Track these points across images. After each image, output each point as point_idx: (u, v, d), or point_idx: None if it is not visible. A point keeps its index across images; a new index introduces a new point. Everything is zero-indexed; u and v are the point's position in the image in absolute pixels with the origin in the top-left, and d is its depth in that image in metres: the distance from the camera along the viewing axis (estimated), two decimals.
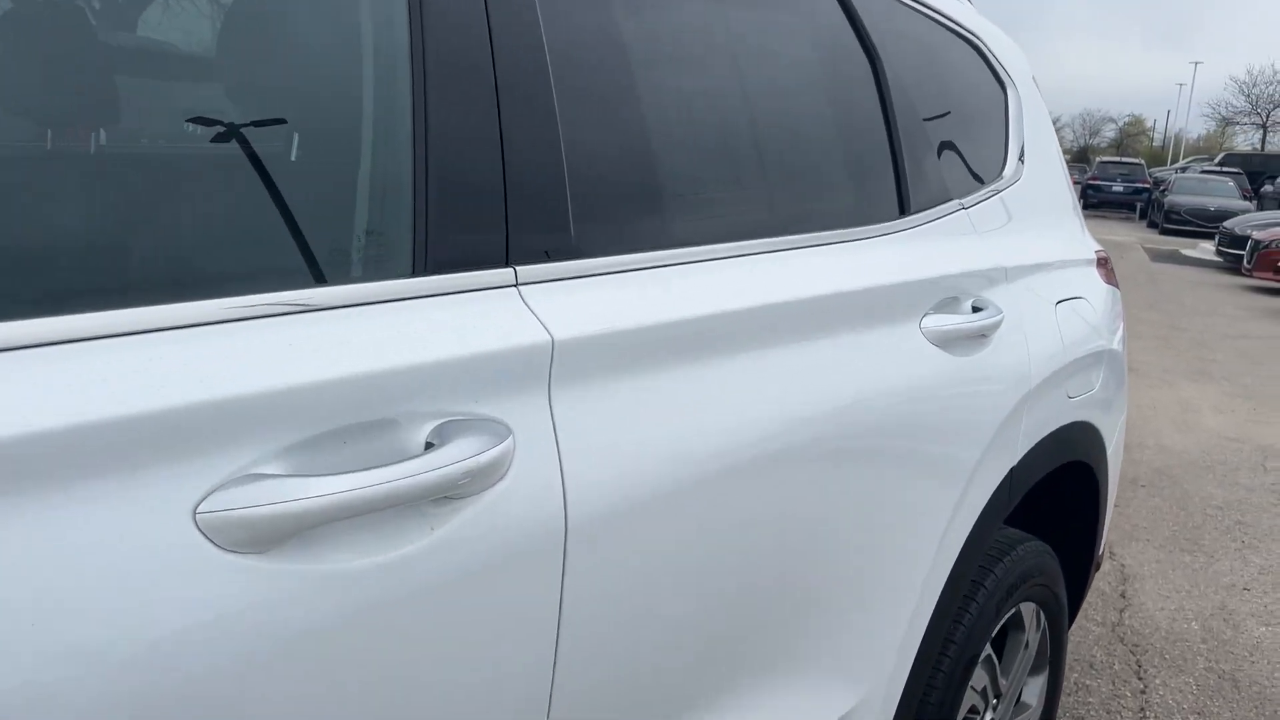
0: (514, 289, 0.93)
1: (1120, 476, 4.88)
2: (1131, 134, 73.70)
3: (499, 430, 0.84)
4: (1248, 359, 8.00)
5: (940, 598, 1.58)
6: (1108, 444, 2.09)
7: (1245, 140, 56.89)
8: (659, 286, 1.07)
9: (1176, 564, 3.76)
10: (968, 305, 1.61)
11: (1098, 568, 2.26)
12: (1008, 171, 1.95)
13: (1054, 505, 2.11)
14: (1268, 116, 54.68)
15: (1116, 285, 2.28)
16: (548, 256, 0.97)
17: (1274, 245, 12.28)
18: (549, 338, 0.92)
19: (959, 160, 1.81)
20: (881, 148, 1.59)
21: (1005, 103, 2.06)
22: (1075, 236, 2.18)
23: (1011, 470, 1.69)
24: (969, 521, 1.61)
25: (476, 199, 0.91)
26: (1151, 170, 32.15)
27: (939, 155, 1.72)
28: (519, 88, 0.97)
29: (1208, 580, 3.63)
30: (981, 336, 1.60)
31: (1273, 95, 54.33)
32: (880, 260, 1.47)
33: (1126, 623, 3.26)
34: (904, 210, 1.59)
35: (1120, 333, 2.19)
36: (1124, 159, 32.34)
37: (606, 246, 1.04)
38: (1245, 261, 13.02)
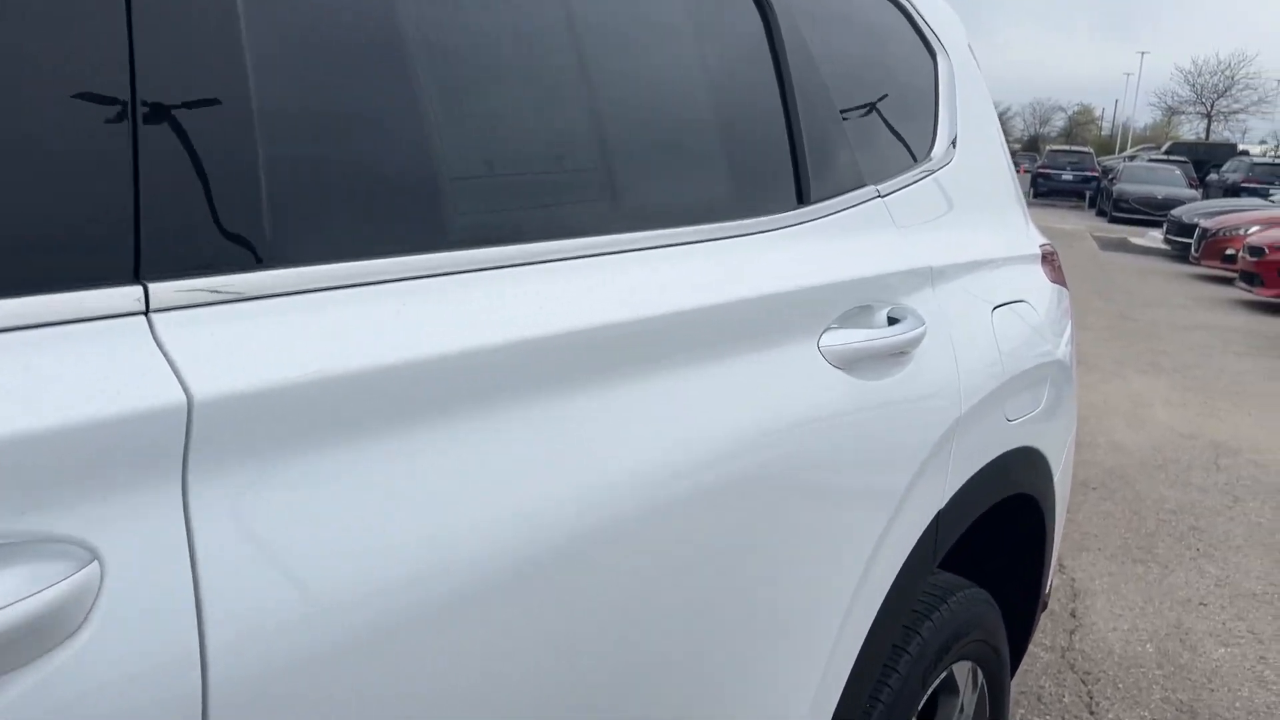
0: (141, 318, 0.60)
1: (1070, 481, 4.65)
2: (1081, 123, 74.52)
3: (72, 556, 0.52)
4: (1197, 350, 7.86)
5: (851, 676, 1.28)
6: (1054, 470, 1.80)
7: (1190, 130, 57.81)
8: (416, 307, 0.75)
9: (1129, 576, 3.52)
10: (882, 315, 1.31)
11: (1044, 607, 1.98)
12: (937, 153, 1.65)
13: (992, 539, 1.82)
14: (1212, 106, 55.58)
15: (1064, 284, 2.00)
16: (211, 267, 0.64)
17: (1221, 234, 12.24)
18: (184, 397, 0.59)
19: (876, 139, 1.51)
20: (775, 121, 1.28)
21: (935, 74, 1.76)
22: (1017, 229, 1.89)
23: (939, 514, 1.40)
24: (884, 581, 1.30)
25: (71, 170, 0.58)
26: (1100, 159, 32.40)
27: (850, 133, 1.41)
28: None
29: (1162, 594, 3.39)
30: (899, 354, 1.30)
31: (1216, 85, 55.24)
32: (768, 263, 1.16)
33: (1077, 646, 3.01)
34: (803, 199, 1.28)
35: (1068, 339, 1.90)
36: (1073, 148, 32.60)
37: (330, 249, 0.71)
38: (1193, 250, 12.98)
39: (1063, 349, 1.83)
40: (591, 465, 0.86)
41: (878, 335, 1.23)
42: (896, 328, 1.27)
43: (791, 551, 1.11)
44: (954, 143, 1.70)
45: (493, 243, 0.84)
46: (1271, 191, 18.76)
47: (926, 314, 1.37)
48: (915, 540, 1.36)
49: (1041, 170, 29.01)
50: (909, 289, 1.39)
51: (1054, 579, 2.10)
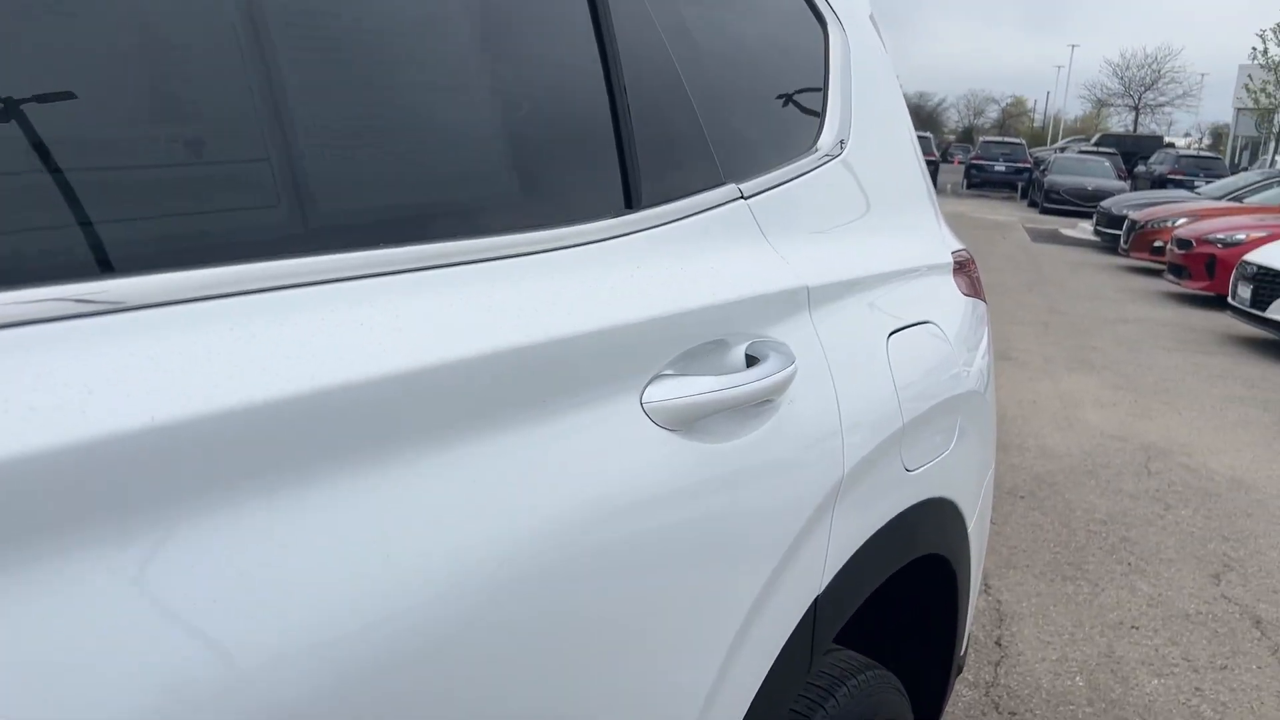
0: None
1: (997, 488, 4.43)
2: (1014, 114, 75.60)
3: None
4: (1127, 346, 7.77)
5: None
6: (968, 519, 1.52)
7: (1119, 122, 59.02)
8: None
9: (1059, 597, 3.30)
10: (739, 354, 1.01)
11: (959, 671, 1.71)
12: (824, 144, 1.36)
13: (897, 600, 1.54)
14: (1139, 99, 56.76)
15: (981, 296, 1.72)
16: None
17: (1150, 226, 12.27)
18: None
19: (742, 127, 1.21)
20: (592, 101, 0.97)
21: (825, 48, 1.47)
22: (925, 234, 1.60)
23: (817, 600, 1.11)
24: (745, 691, 1.01)
25: None
26: (1032, 150, 32.75)
27: (704, 119, 1.11)
28: None
29: (1092, 617, 3.17)
30: (760, 404, 1.00)
31: (1143, 79, 56.41)
32: (570, 291, 0.85)
33: (1002, 681, 2.77)
34: (631, 203, 0.98)
35: (983, 362, 1.63)
36: (1006, 139, 32.89)
37: None
38: (1122, 242, 13.01)
39: (976, 376, 1.55)
40: (298, 585, 0.56)
41: (725, 384, 0.93)
42: (754, 371, 0.97)
43: (597, 676, 0.81)
44: (847, 132, 1.41)
45: (72, 275, 0.52)
46: (1196, 183, 19.02)
47: (799, 348, 1.08)
48: (787, 635, 1.07)
49: (975, 161, 29.25)
50: (777, 317, 1.09)
51: (969, 641, 1.84)
